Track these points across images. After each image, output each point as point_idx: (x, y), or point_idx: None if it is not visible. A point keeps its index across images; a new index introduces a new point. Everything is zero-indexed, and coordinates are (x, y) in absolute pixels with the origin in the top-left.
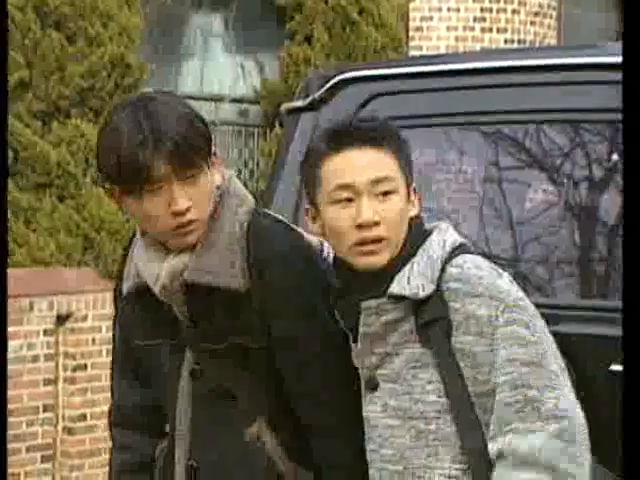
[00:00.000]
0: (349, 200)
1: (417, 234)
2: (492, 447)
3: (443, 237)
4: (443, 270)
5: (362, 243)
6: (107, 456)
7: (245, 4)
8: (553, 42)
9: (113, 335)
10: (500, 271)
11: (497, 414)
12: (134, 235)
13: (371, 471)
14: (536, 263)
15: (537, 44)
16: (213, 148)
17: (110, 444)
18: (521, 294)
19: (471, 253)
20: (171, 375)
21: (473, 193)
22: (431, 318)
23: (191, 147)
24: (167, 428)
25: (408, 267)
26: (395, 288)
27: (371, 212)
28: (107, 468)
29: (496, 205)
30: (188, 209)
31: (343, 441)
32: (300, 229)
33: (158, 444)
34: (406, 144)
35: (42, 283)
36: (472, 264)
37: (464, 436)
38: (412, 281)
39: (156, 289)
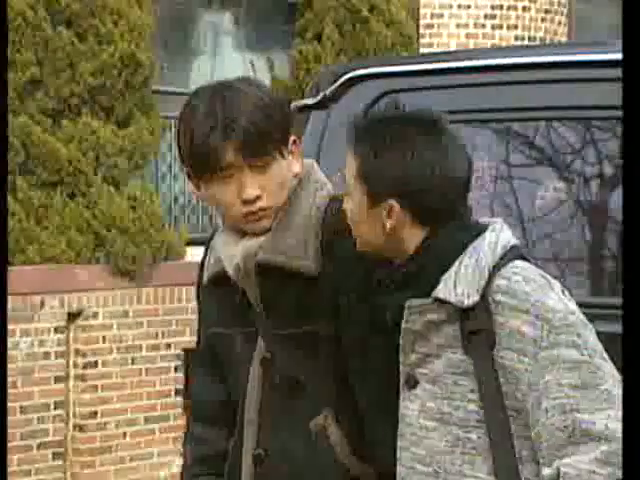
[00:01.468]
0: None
1: (457, 227)
2: (544, 472)
3: (495, 239)
4: (491, 279)
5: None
6: (118, 453)
7: (255, 1)
8: (564, 39)
9: (198, 331)
10: (552, 282)
11: (548, 439)
12: (216, 230)
13: (398, 468)
14: (546, 260)
15: (548, 41)
16: (293, 137)
17: (121, 441)
18: (571, 307)
19: (523, 258)
20: (243, 364)
21: (484, 190)
22: (476, 328)
23: (262, 136)
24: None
25: (455, 267)
26: (441, 292)
27: (345, 203)
28: (118, 465)
29: (507, 202)
30: (258, 197)
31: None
32: None
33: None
34: (380, 151)
35: (53, 280)
36: (521, 276)
37: (496, 451)
38: (458, 287)
39: (231, 270)
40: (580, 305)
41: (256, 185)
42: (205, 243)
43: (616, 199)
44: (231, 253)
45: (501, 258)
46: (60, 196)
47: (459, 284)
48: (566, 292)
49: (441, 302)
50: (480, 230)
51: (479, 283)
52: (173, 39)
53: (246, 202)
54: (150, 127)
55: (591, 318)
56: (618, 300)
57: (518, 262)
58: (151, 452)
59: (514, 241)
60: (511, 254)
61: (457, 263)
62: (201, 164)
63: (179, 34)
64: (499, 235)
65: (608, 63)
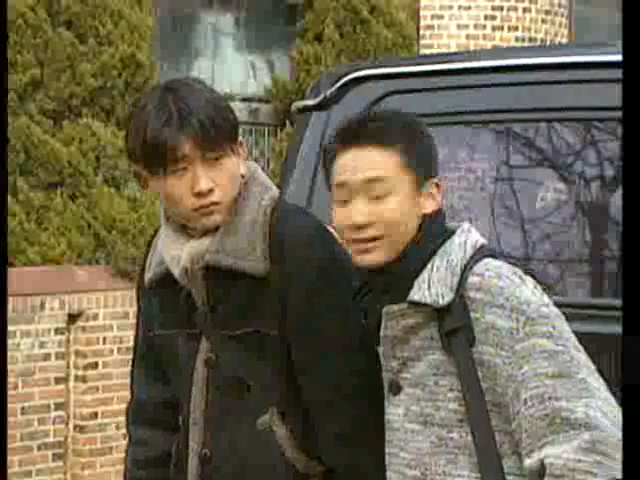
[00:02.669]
0: (345, 201)
1: (436, 232)
2: (527, 462)
3: (464, 239)
4: (464, 277)
5: (356, 241)
6: (118, 454)
7: (256, 3)
8: (564, 40)
9: (136, 332)
10: (523, 277)
11: (528, 429)
12: (158, 228)
13: (388, 474)
14: (547, 262)
15: (548, 42)
16: (240, 138)
17: (121, 442)
18: (544, 300)
19: (493, 256)
20: (185, 365)
21: (484, 191)
22: (453, 327)
23: (216, 128)
24: (180, 420)
25: (428, 270)
26: (416, 295)
27: (360, 216)
28: (118, 466)
29: (507, 204)
30: (211, 190)
31: (353, 445)
32: None
33: (175, 440)
34: (420, 138)
35: (53, 282)
36: (494, 272)
37: (479, 448)
38: (432, 288)
39: (176, 272)
40: (581, 306)
41: (209, 178)
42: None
43: (616, 200)
44: (176, 254)
45: (472, 256)
46: (60, 197)
47: (432, 285)
48: (538, 287)
49: (417, 305)
50: (449, 234)
51: (452, 282)
52: (173, 40)
53: (199, 195)
54: None
55: (592, 319)
56: (618, 301)
57: (489, 259)
58: None
59: (482, 241)
60: (481, 253)
61: (429, 266)
62: (155, 157)
63: (179, 35)
64: (468, 235)
65: (608, 64)
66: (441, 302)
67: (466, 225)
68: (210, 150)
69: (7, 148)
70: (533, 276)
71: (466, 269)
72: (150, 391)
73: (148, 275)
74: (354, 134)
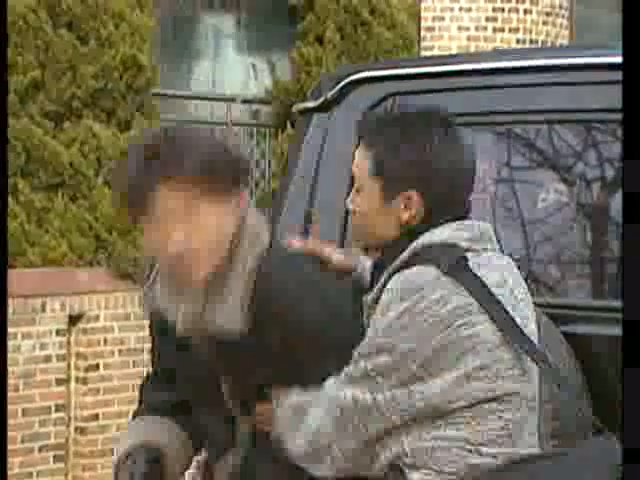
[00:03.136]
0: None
1: (412, 233)
2: None
3: (416, 243)
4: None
5: None
6: None
7: (256, 4)
8: (565, 42)
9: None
10: (415, 292)
11: None
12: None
13: None
14: (548, 263)
15: (549, 44)
16: (239, 188)
17: None
18: (388, 333)
19: (427, 263)
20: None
21: (485, 193)
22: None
23: (198, 177)
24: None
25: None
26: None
27: (350, 203)
28: None
29: (508, 205)
30: (180, 252)
31: None
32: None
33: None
34: (407, 149)
35: (54, 283)
36: (395, 283)
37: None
38: (374, 286)
39: (177, 328)
40: (581, 308)
41: (183, 234)
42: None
43: (617, 202)
44: (173, 313)
45: (407, 261)
46: (61, 199)
47: (376, 284)
48: (443, 300)
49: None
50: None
51: (382, 283)
52: (174, 42)
53: (171, 253)
54: (151, 130)
55: (593, 321)
56: (619, 303)
57: (417, 267)
58: None
59: (439, 240)
60: (415, 259)
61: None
62: (131, 211)
63: (180, 37)
64: (424, 239)
65: (610, 66)
66: (369, 300)
67: (450, 224)
68: (182, 208)
69: (7, 149)
70: (534, 278)
71: (394, 273)
72: (159, 394)
73: (151, 314)
74: (360, 129)
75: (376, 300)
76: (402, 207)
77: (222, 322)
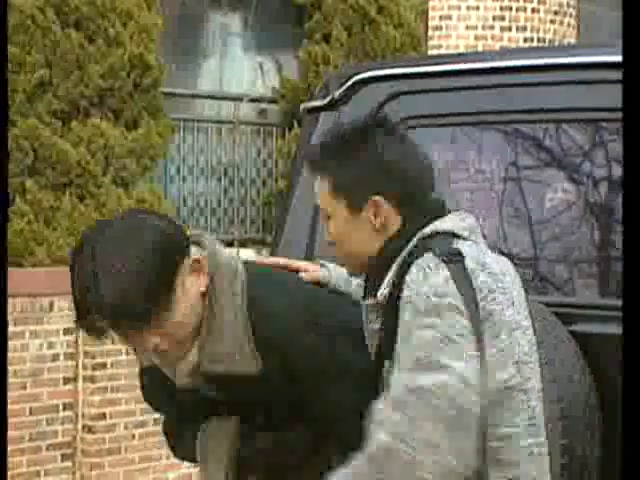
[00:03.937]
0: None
1: (396, 245)
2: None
3: (413, 244)
4: (401, 274)
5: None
6: (127, 455)
7: (264, 3)
8: (573, 41)
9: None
10: (439, 266)
11: None
12: None
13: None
14: (555, 262)
15: (557, 43)
16: (192, 257)
17: (130, 442)
18: (439, 291)
19: (436, 248)
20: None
21: (492, 192)
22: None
23: (137, 313)
24: None
25: (390, 271)
26: (381, 287)
27: (326, 234)
28: (127, 466)
29: (515, 204)
30: (156, 347)
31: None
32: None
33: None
34: (358, 157)
35: (62, 282)
36: (415, 267)
37: None
38: (382, 286)
39: (177, 384)
40: (589, 307)
41: (155, 336)
42: None
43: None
44: (170, 372)
45: (411, 253)
46: (69, 198)
47: (384, 284)
48: (463, 273)
49: (374, 305)
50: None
51: (391, 280)
52: (182, 41)
53: (151, 350)
54: (159, 129)
55: (600, 320)
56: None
57: (427, 255)
58: (160, 454)
59: (437, 229)
60: (421, 250)
61: (392, 267)
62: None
63: (188, 36)
64: (424, 232)
65: (616, 65)
66: (380, 299)
67: (445, 218)
68: (142, 325)
69: (7, 149)
70: (542, 277)
71: (403, 266)
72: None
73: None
74: (310, 165)
75: (391, 293)
76: (372, 215)
77: (237, 367)
